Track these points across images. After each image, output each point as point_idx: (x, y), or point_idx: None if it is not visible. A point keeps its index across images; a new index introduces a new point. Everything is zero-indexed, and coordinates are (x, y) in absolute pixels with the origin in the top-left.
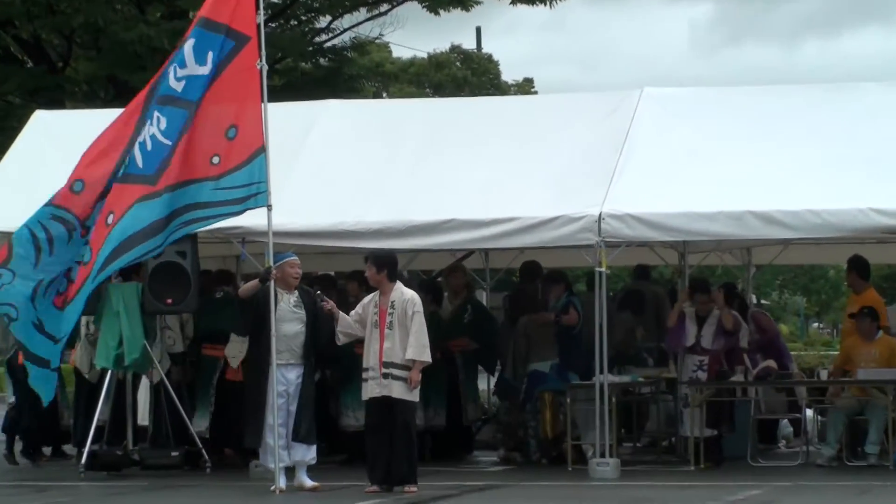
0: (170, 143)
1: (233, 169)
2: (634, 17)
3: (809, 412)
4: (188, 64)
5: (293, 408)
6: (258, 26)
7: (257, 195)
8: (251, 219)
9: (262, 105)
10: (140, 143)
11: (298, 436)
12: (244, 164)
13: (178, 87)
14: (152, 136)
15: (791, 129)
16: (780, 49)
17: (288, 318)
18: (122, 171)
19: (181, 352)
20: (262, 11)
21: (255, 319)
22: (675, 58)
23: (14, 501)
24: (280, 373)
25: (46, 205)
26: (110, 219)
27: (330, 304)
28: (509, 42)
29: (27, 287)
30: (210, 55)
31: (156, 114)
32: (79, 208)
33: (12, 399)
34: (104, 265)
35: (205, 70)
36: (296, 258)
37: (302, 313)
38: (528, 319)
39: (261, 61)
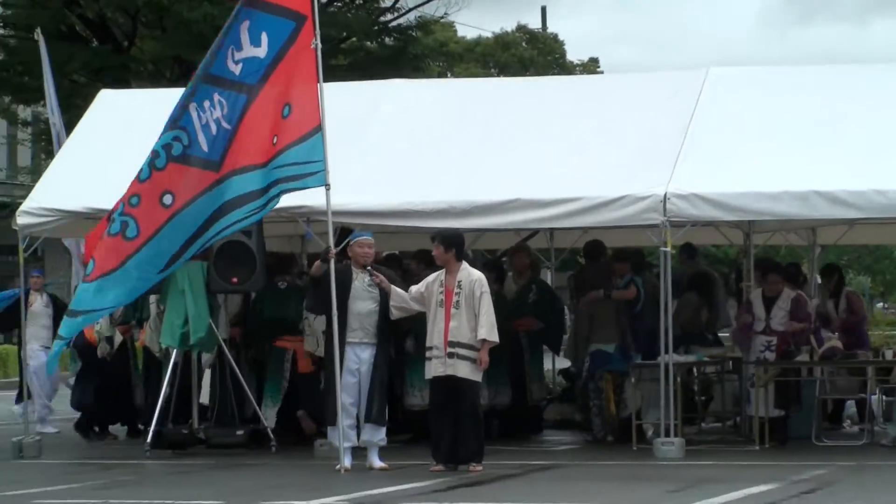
0: (230, 127)
1: (287, 146)
2: None
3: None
4: (244, 46)
5: (365, 388)
6: (313, 5)
7: (315, 174)
8: (316, 198)
9: (319, 84)
10: (204, 126)
11: (370, 417)
12: (298, 141)
13: (235, 69)
14: (216, 120)
15: (857, 109)
16: (849, 28)
17: (361, 296)
18: (180, 150)
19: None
20: None
21: (328, 298)
22: (744, 37)
23: (79, 479)
24: (353, 351)
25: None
26: (167, 199)
27: (379, 278)
28: (576, 22)
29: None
30: (265, 36)
31: (216, 96)
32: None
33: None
34: (177, 255)
35: (261, 52)
36: (366, 237)
37: (375, 292)
38: (587, 299)
39: (315, 40)
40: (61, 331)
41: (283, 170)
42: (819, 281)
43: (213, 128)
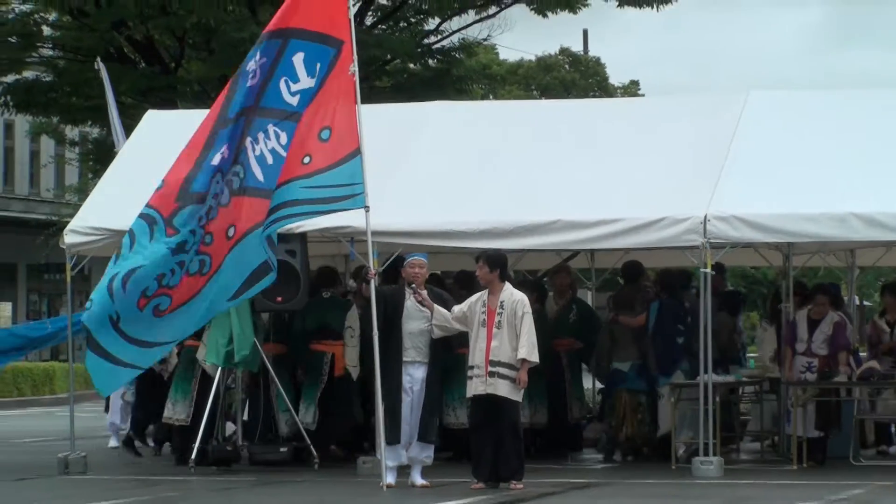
0: (285, 155)
1: (324, 168)
2: (744, 19)
3: None
4: (301, 78)
5: (418, 406)
6: (351, 30)
7: (354, 196)
8: (359, 219)
9: (357, 108)
10: (258, 157)
11: (422, 435)
12: (337, 164)
13: (293, 101)
14: (272, 151)
15: (894, 132)
16: (886, 52)
17: (414, 316)
18: (238, 183)
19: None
20: (352, 16)
21: (382, 318)
22: (784, 60)
23: (124, 495)
24: (406, 371)
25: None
26: (231, 231)
27: (421, 296)
28: (618, 44)
29: (105, 279)
30: (318, 66)
31: (272, 128)
32: (161, 204)
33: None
34: (251, 281)
35: (312, 82)
36: (417, 258)
37: (427, 311)
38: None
39: (353, 66)
40: (138, 361)
41: (319, 190)
42: (857, 302)
43: (269, 158)
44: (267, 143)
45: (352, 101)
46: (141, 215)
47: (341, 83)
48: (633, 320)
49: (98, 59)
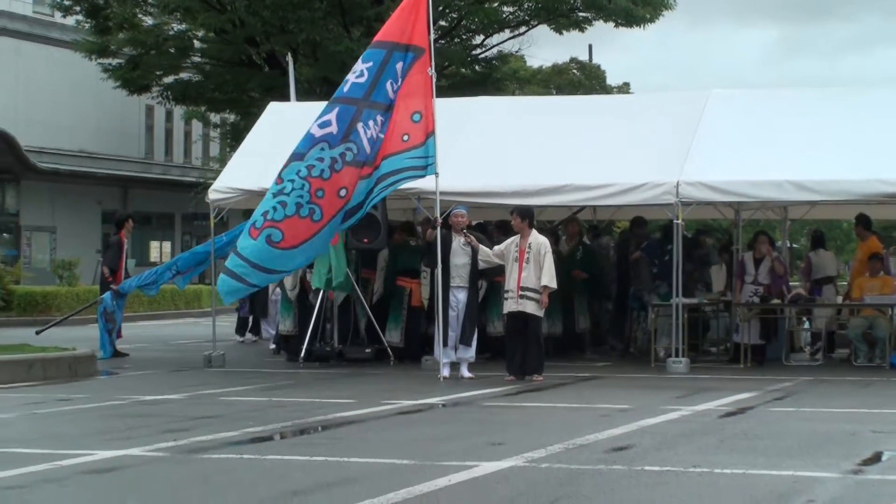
0: (382, 136)
1: (418, 145)
2: (716, 36)
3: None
4: (399, 79)
5: (461, 318)
6: (429, 41)
7: (429, 166)
8: (424, 182)
9: (433, 101)
10: (370, 139)
11: (464, 339)
12: (422, 143)
13: (393, 95)
14: (378, 134)
15: (823, 119)
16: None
17: (458, 253)
18: (352, 157)
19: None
20: (432, 31)
21: (437, 256)
22: (746, 68)
23: (252, 383)
24: (453, 293)
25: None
26: (342, 192)
27: (471, 239)
28: (616, 54)
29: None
30: (400, 66)
31: (379, 118)
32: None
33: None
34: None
35: (393, 74)
36: (461, 210)
37: (468, 250)
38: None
39: (431, 69)
40: (255, 280)
41: (413, 160)
42: (789, 245)
43: (376, 138)
44: (374, 128)
45: (430, 95)
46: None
47: (425, 79)
48: (632, 256)
49: (289, 54)
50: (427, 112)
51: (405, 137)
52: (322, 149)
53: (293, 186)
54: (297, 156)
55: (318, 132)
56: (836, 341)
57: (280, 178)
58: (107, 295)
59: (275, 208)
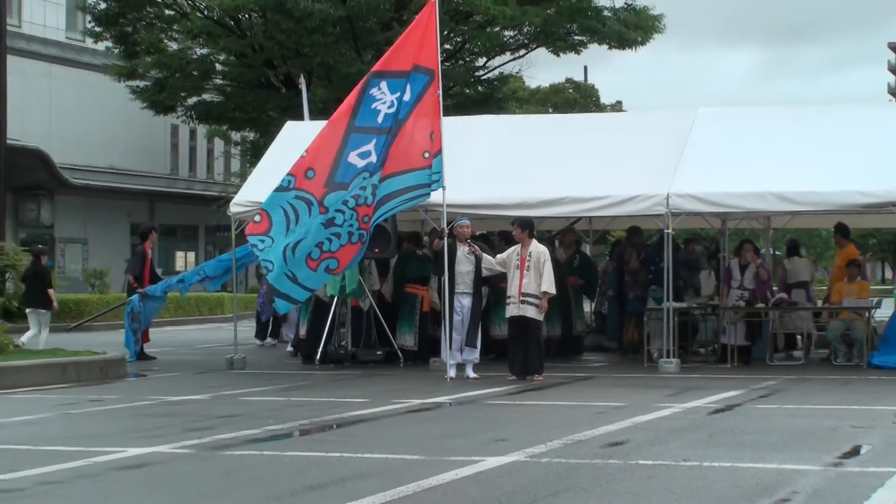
0: (387, 149)
1: (432, 162)
2: (704, 58)
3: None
4: (412, 98)
5: (466, 322)
6: (438, 65)
7: (438, 181)
8: (432, 196)
9: (440, 120)
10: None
11: (469, 342)
12: (434, 158)
13: (403, 115)
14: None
15: (803, 135)
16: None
17: (463, 261)
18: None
19: (377, 289)
20: (439, 55)
21: (444, 264)
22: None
23: (271, 383)
24: (458, 299)
25: (288, 189)
26: (366, 219)
27: (475, 249)
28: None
29: (279, 248)
30: (408, 87)
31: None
32: (313, 189)
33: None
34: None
35: (408, 97)
36: (465, 221)
37: (472, 258)
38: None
39: (439, 90)
40: (304, 298)
41: (431, 176)
42: (772, 253)
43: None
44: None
45: (439, 115)
46: (298, 196)
47: (434, 100)
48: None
49: (301, 77)
50: (437, 131)
51: (426, 154)
52: (364, 178)
53: (344, 218)
54: (339, 185)
55: (359, 163)
56: (817, 342)
57: (324, 207)
58: (134, 297)
59: (329, 239)
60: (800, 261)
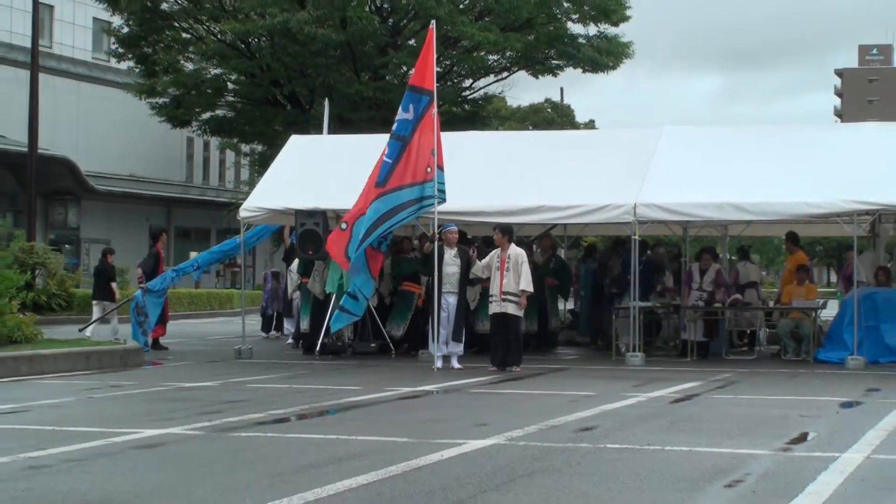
0: (391, 161)
1: (437, 174)
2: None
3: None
4: (400, 113)
5: (452, 319)
6: (434, 86)
7: (442, 193)
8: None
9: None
10: (381, 165)
11: (454, 336)
12: (438, 173)
13: (395, 127)
14: (384, 160)
15: (758, 152)
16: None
17: (450, 263)
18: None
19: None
20: (435, 76)
21: (433, 266)
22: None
23: (274, 372)
24: (444, 298)
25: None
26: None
27: (472, 257)
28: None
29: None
30: (412, 106)
31: (386, 147)
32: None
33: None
34: (360, 242)
35: (409, 115)
36: (453, 227)
37: (458, 261)
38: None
39: (435, 109)
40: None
41: (437, 187)
42: (728, 258)
43: (382, 164)
44: (384, 156)
45: (438, 132)
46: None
47: (434, 120)
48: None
49: (326, 100)
50: (439, 148)
51: (428, 169)
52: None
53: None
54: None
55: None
56: (768, 339)
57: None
58: (138, 292)
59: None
60: (750, 265)
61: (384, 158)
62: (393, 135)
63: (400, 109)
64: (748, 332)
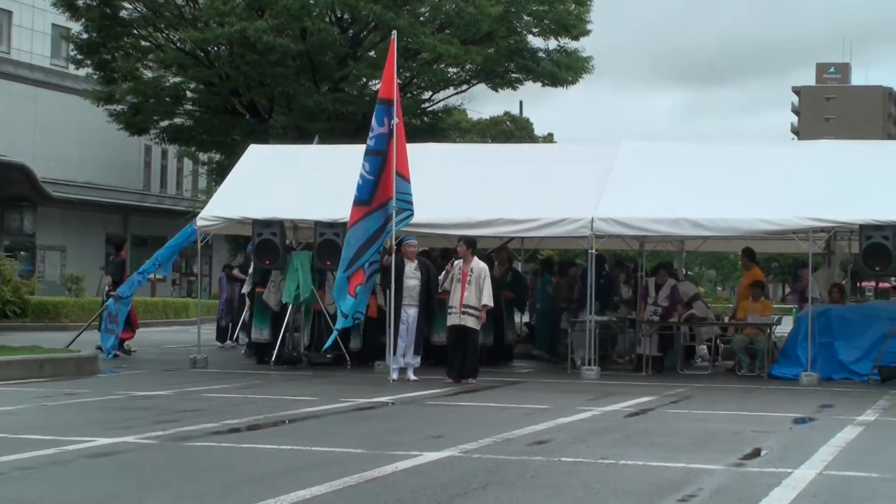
0: (372, 178)
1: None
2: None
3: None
4: (375, 128)
5: (411, 331)
6: (397, 95)
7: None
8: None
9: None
10: (359, 181)
11: (412, 348)
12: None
13: (371, 143)
14: (362, 175)
15: (715, 168)
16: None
17: (410, 276)
18: (355, 199)
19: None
20: (397, 86)
21: (393, 278)
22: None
23: (229, 381)
24: (404, 310)
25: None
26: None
27: (444, 282)
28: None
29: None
30: (385, 120)
31: (364, 163)
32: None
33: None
34: (350, 263)
35: (384, 129)
36: (412, 240)
37: (418, 274)
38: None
39: (396, 119)
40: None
41: (406, 198)
42: (685, 273)
43: (361, 181)
44: (363, 172)
45: (403, 142)
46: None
47: (398, 129)
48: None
49: (317, 137)
50: (405, 157)
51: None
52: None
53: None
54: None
55: (366, 176)
56: (722, 354)
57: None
58: (110, 301)
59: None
60: (686, 282)
61: (365, 175)
62: (370, 151)
63: (374, 124)
64: (708, 345)
